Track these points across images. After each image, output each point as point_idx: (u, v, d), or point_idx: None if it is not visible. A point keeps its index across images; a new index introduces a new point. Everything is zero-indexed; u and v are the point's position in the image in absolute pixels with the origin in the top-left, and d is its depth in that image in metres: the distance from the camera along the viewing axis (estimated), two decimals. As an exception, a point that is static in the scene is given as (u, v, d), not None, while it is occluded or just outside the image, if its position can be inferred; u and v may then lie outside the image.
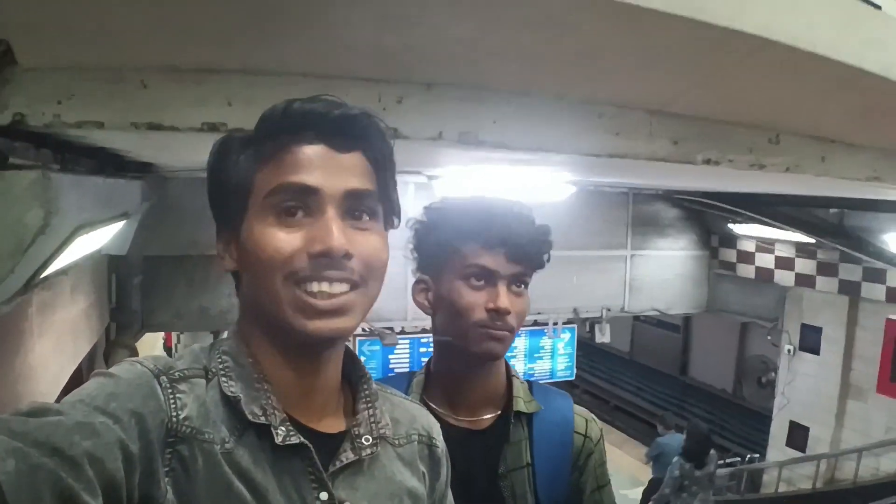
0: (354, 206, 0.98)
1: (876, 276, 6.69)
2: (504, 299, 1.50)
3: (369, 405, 1.09)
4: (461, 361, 1.57)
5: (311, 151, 0.97)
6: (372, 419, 1.08)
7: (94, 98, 1.72)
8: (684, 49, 1.87)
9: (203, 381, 0.96)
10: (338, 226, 0.95)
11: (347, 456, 1.01)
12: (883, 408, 7.16)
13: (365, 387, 1.11)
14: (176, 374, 0.94)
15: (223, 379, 0.97)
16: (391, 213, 1.06)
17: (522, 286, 1.56)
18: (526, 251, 1.53)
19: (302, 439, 0.95)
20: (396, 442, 1.13)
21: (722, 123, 2.52)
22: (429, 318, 1.59)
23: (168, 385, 0.91)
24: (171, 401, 0.90)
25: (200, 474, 0.89)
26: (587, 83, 2.07)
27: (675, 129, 2.38)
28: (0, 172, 1.67)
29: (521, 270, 1.53)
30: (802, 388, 8.07)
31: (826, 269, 7.18)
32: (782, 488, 7.91)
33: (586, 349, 12.17)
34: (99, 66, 1.69)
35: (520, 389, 1.66)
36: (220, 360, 1.00)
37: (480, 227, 1.51)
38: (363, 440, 1.04)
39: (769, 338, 8.52)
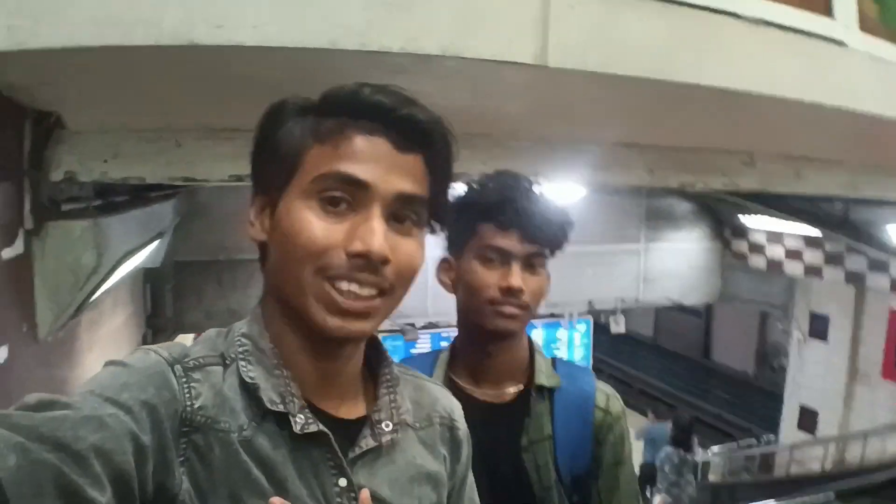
0: (402, 210, 0.95)
1: (880, 266, 6.85)
2: (516, 278, 1.52)
3: (390, 390, 1.08)
4: (480, 338, 1.60)
5: (371, 144, 0.93)
6: (393, 404, 1.06)
7: (135, 156, 1.99)
8: (655, 100, 2.12)
9: (220, 368, 0.95)
10: (382, 228, 0.92)
11: (367, 442, 1.00)
12: (889, 392, 7.35)
13: (386, 371, 1.09)
14: (191, 362, 0.93)
15: (242, 363, 0.95)
16: (437, 220, 1.03)
17: (538, 266, 1.58)
18: (540, 231, 1.54)
19: (321, 427, 0.94)
20: (417, 425, 1.11)
21: (696, 150, 2.74)
22: (447, 314, 1.69)
23: (182, 374, 0.90)
24: (186, 390, 0.89)
25: (217, 463, 0.88)
26: (568, 129, 2.31)
27: (650, 159, 2.60)
28: (58, 221, 1.97)
29: (535, 250, 1.55)
30: (812, 373, 8.28)
31: (833, 259, 7.33)
32: (794, 469, 8.12)
33: (610, 334, 12.35)
34: (139, 128, 1.96)
35: (542, 364, 1.68)
36: (239, 343, 0.98)
37: (494, 208, 1.53)
38: (383, 426, 1.02)
39: (779, 325, 8.71)
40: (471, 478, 1.23)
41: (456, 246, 1.59)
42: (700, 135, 2.63)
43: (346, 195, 0.92)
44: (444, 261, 1.62)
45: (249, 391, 0.92)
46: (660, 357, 16.11)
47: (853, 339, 7.73)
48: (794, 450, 8.12)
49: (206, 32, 1.55)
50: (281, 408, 0.92)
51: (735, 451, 8.93)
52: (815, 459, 7.92)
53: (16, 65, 1.64)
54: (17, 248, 1.86)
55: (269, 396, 0.92)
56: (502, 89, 1.94)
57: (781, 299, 8.62)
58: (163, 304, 5.66)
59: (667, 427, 7.32)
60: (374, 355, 1.10)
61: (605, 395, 1.69)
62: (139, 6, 1.57)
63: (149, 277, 5.38)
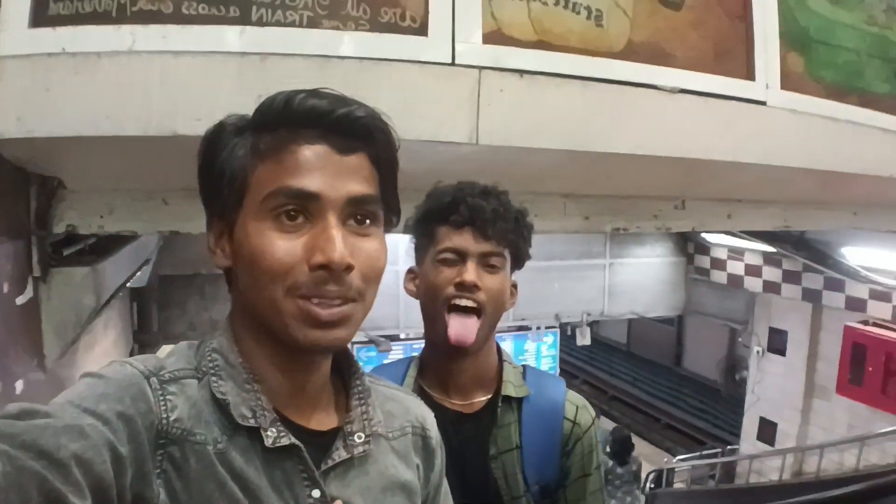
0: (356, 212, 0.94)
1: (836, 285, 7.21)
2: (471, 273, 1.52)
3: (362, 401, 1.07)
4: (446, 346, 1.57)
5: (313, 152, 0.93)
6: (364, 416, 1.06)
7: (128, 213, 2.30)
8: (583, 162, 2.42)
9: (194, 381, 0.94)
10: (339, 234, 0.91)
11: (340, 454, 1.00)
12: (845, 406, 7.63)
13: (357, 382, 1.09)
14: (166, 374, 0.92)
15: (213, 379, 0.95)
16: (391, 213, 1.02)
17: (497, 266, 1.57)
18: (494, 228, 1.54)
19: (292, 440, 0.94)
20: (390, 435, 1.11)
21: (629, 198, 3.05)
22: (419, 326, 1.63)
23: (158, 387, 0.90)
24: (162, 402, 0.89)
25: (193, 475, 0.88)
26: (506, 185, 2.60)
27: (585, 207, 2.91)
28: (61, 268, 2.28)
29: (490, 249, 1.55)
30: (771, 386, 8.60)
31: (791, 277, 7.71)
32: (753, 479, 8.44)
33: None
34: (131, 189, 2.26)
35: (510, 374, 1.68)
36: (210, 358, 0.97)
37: (448, 209, 1.54)
38: (355, 438, 1.02)
39: (740, 339, 9.07)
40: (445, 486, 1.23)
41: (419, 254, 1.61)
42: (631, 186, 2.93)
43: (297, 209, 0.91)
44: (409, 270, 1.65)
45: (221, 406, 0.92)
46: (633, 364, 16.44)
47: (810, 354, 8.06)
48: (753, 460, 8.45)
49: (186, 124, 1.85)
50: (252, 422, 0.92)
51: (697, 459, 9.30)
52: (774, 470, 8.21)
53: (24, 147, 1.93)
54: (27, 293, 2.14)
55: (240, 412, 0.92)
56: (444, 157, 2.18)
57: (743, 314, 8.99)
58: (149, 319, 5.99)
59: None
60: (345, 365, 1.10)
61: (575, 406, 1.69)
62: (129, 103, 1.87)
63: (135, 295, 5.69)
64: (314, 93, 0.94)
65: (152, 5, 1.91)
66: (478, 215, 1.52)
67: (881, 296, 6.85)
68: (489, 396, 1.65)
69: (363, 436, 1.03)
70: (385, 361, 1.88)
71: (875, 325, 6.97)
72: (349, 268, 0.90)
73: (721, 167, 2.87)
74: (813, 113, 3.14)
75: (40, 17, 1.90)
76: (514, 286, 1.67)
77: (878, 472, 6.76)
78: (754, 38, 2.98)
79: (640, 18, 2.55)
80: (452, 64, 2.12)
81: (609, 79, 2.35)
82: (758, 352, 8.69)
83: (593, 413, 1.72)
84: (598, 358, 16.76)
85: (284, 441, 0.93)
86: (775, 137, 2.98)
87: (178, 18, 1.94)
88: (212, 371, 0.95)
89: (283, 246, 0.91)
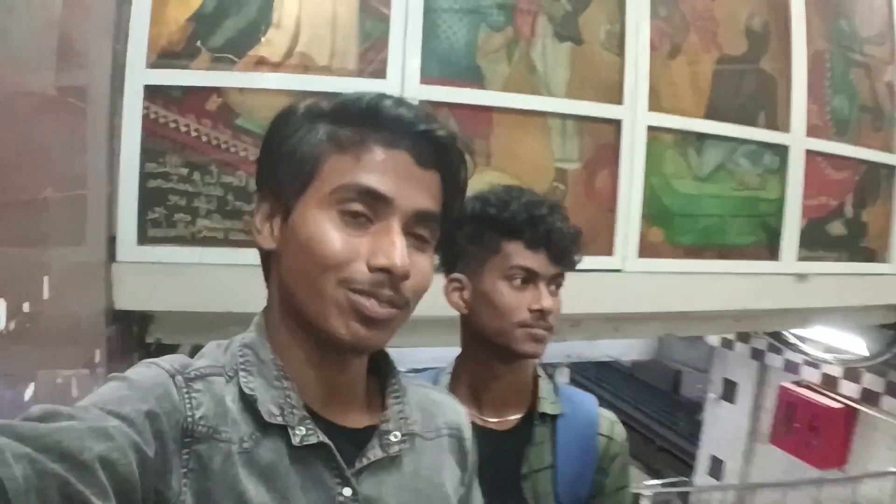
0: (419, 226, 0.96)
1: (776, 349, 8.44)
2: (548, 300, 1.51)
3: (398, 400, 1.07)
4: (496, 360, 1.57)
5: (392, 157, 0.94)
6: (401, 414, 1.06)
7: (195, 332, 3.64)
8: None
9: (222, 378, 0.95)
10: (402, 242, 0.92)
11: (375, 453, 0.99)
12: (782, 454, 8.70)
13: (394, 381, 1.09)
14: (192, 372, 0.93)
15: (243, 374, 0.96)
16: (445, 244, 1.04)
17: (559, 287, 1.58)
18: (567, 252, 1.54)
19: (321, 438, 0.94)
20: (425, 436, 1.10)
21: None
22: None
23: (183, 384, 0.90)
24: (187, 400, 0.89)
25: (217, 475, 0.88)
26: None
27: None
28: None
29: (559, 271, 1.55)
30: (721, 428, 9.80)
31: (742, 336, 8.94)
32: (701, 508, 9.71)
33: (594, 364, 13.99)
34: (196, 318, 3.57)
35: (545, 390, 1.66)
36: (240, 353, 0.98)
37: (524, 226, 1.51)
38: (391, 437, 1.02)
39: (699, 386, 10.34)
40: (477, 488, 1.22)
41: (471, 264, 1.56)
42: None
43: (365, 208, 0.93)
44: (454, 279, 1.59)
45: (249, 403, 0.93)
46: (636, 388, 17.43)
47: (755, 405, 9.22)
48: (702, 493, 9.70)
49: (232, 304, 3.21)
50: (280, 420, 0.93)
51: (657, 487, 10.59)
52: (718, 502, 9.46)
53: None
54: None
55: (268, 409, 0.93)
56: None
57: (703, 363, 10.22)
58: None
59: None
60: (382, 364, 1.10)
61: (609, 421, 1.70)
62: (198, 294, 3.25)
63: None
64: (402, 101, 0.96)
65: (212, 233, 3.31)
66: (556, 239, 1.52)
67: (812, 363, 8.04)
68: (522, 414, 1.64)
69: (399, 435, 1.02)
70: (417, 371, 1.82)
71: (806, 387, 8.23)
72: (407, 276, 0.91)
73: (584, 315, 3.98)
74: (667, 272, 4.24)
75: (143, 238, 3.20)
76: None
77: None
78: (616, 223, 3.99)
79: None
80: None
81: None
82: (712, 398, 9.89)
83: (624, 430, 1.73)
84: (605, 380, 17.88)
85: (312, 439, 0.92)
86: (630, 294, 4.06)
87: (227, 242, 3.31)
88: (242, 367, 0.96)
89: (344, 241, 0.92)
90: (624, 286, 4.08)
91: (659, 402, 16.32)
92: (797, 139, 4.82)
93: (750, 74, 4.66)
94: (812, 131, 4.94)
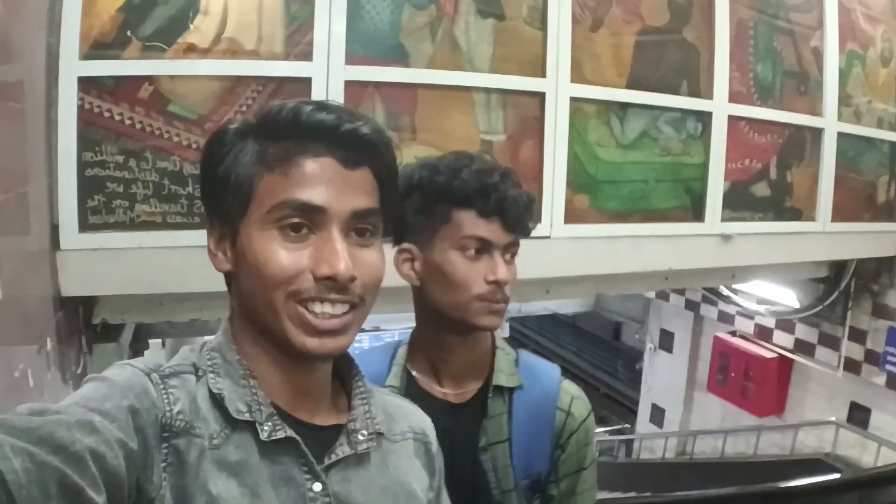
0: (359, 224, 0.97)
1: (711, 301, 8.81)
2: (504, 270, 1.47)
3: (364, 401, 1.09)
4: (450, 332, 1.54)
5: (320, 166, 0.95)
6: (367, 414, 1.08)
7: (139, 311, 3.84)
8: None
9: (193, 377, 0.97)
10: (343, 248, 0.94)
11: (343, 450, 1.01)
12: (718, 401, 9.21)
13: (359, 383, 1.11)
14: (166, 370, 0.95)
15: (210, 375, 0.97)
16: (389, 224, 1.05)
17: (513, 255, 1.54)
18: (520, 220, 1.50)
19: (289, 433, 0.95)
20: (391, 438, 1.12)
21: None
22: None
23: (159, 381, 0.92)
24: (164, 396, 0.91)
25: (192, 469, 0.89)
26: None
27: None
28: (97, 345, 3.87)
29: (514, 239, 1.51)
30: (660, 378, 10.25)
31: (677, 289, 9.19)
32: (644, 455, 10.21)
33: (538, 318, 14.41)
34: (140, 298, 3.78)
35: (503, 362, 1.63)
36: (208, 356, 1.00)
37: (475, 195, 1.46)
38: (359, 435, 1.04)
39: (637, 336, 10.73)
40: (445, 492, 1.24)
41: (420, 234, 1.50)
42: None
43: (303, 220, 0.94)
44: (403, 250, 1.54)
45: (217, 401, 0.95)
46: (578, 337, 17.97)
47: (692, 355, 9.66)
48: (643, 440, 10.21)
49: (168, 285, 3.42)
50: (247, 416, 0.94)
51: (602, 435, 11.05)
52: (661, 449, 9.91)
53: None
54: (81, 364, 3.59)
55: (236, 406, 0.95)
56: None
57: (639, 314, 10.64)
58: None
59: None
60: (345, 366, 1.13)
61: (570, 395, 1.63)
62: (140, 276, 3.44)
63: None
64: (322, 106, 0.97)
65: (151, 217, 3.46)
66: (509, 207, 1.47)
67: (746, 314, 8.43)
68: (480, 385, 1.61)
69: (367, 433, 1.04)
70: (373, 346, 1.77)
71: (740, 337, 8.63)
72: (353, 279, 0.94)
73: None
74: (593, 237, 4.47)
75: (84, 226, 3.33)
76: None
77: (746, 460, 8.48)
78: (542, 192, 4.18)
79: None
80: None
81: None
82: (650, 348, 10.32)
83: (589, 405, 1.67)
84: (547, 330, 18.47)
85: (280, 434, 0.94)
86: (557, 257, 4.28)
87: (164, 226, 3.46)
88: (210, 369, 0.98)
89: (288, 256, 0.94)
90: (552, 252, 4.30)
91: (601, 350, 16.92)
92: (720, 106, 5.05)
93: (672, 45, 4.86)
94: (735, 97, 5.17)
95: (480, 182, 1.47)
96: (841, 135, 5.93)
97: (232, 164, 0.98)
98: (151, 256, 3.44)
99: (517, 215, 1.49)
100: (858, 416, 7.57)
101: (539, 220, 4.28)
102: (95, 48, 3.33)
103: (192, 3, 3.46)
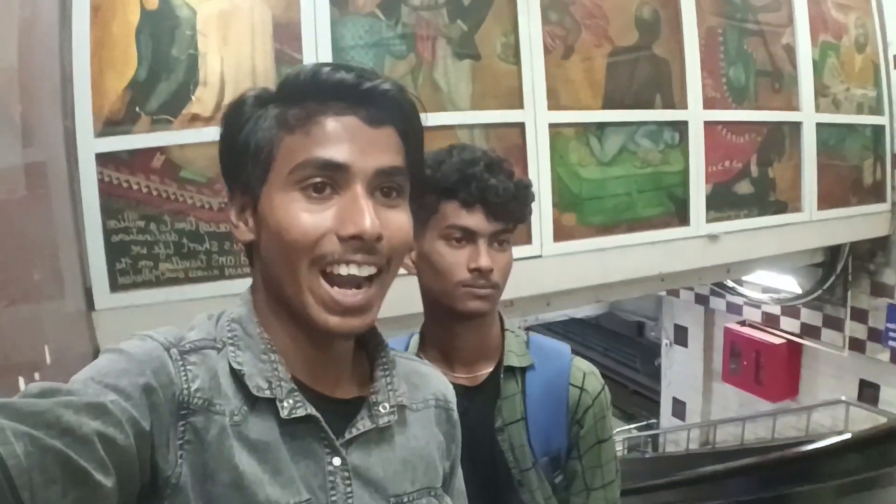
0: (384, 183, 0.96)
1: (719, 294, 9.13)
2: (485, 258, 1.50)
3: (387, 372, 1.09)
4: (450, 320, 1.57)
5: (342, 124, 0.94)
6: (389, 386, 1.07)
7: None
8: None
9: (214, 352, 0.96)
10: (369, 206, 0.93)
11: (364, 424, 1.02)
12: (733, 391, 9.54)
13: (382, 354, 1.11)
14: (187, 345, 0.94)
15: (231, 349, 0.97)
16: (416, 186, 1.03)
17: (504, 242, 1.56)
18: (505, 208, 1.51)
19: (309, 410, 0.95)
20: (413, 407, 1.13)
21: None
22: None
23: (178, 357, 0.91)
24: (183, 373, 0.90)
25: (213, 446, 0.89)
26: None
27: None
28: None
29: (501, 227, 1.53)
30: (678, 371, 10.56)
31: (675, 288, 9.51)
32: (670, 448, 10.53)
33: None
34: None
35: (513, 343, 1.66)
36: (229, 328, 0.99)
37: (457, 185, 1.49)
38: (380, 408, 1.04)
39: (652, 334, 11.05)
40: (459, 466, 1.26)
41: (415, 224, 1.33)
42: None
43: (326, 179, 0.93)
44: None
45: (238, 377, 0.94)
46: (603, 337, 18.14)
47: (705, 346, 9.96)
48: (667, 433, 10.54)
49: None
50: (268, 394, 0.94)
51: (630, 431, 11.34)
52: (684, 441, 10.19)
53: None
54: None
55: (256, 383, 0.94)
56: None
57: (654, 312, 10.97)
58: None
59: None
60: (369, 337, 1.12)
61: (582, 372, 1.67)
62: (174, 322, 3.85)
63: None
64: (341, 65, 0.96)
65: (174, 274, 3.86)
66: (490, 196, 1.49)
67: (752, 304, 8.76)
68: (492, 369, 1.65)
69: (388, 406, 1.05)
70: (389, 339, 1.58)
71: (750, 326, 8.96)
72: (380, 238, 0.93)
73: (514, 298, 4.56)
74: (582, 251, 4.79)
75: (114, 286, 3.69)
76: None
77: (765, 444, 8.75)
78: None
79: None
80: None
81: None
82: (666, 343, 10.63)
83: (602, 380, 1.71)
84: (573, 332, 18.42)
85: (300, 412, 0.94)
86: (548, 274, 4.61)
87: (187, 280, 3.85)
88: (230, 341, 0.98)
89: (311, 218, 0.93)
90: (545, 270, 4.65)
91: (627, 348, 17.05)
92: (694, 113, 5.40)
93: (643, 61, 5.21)
94: (709, 103, 5.51)
95: (461, 172, 1.51)
96: (820, 125, 6.24)
97: (252, 131, 0.97)
98: (177, 309, 3.77)
99: (500, 204, 1.51)
100: (868, 392, 7.83)
101: (529, 241, 4.64)
102: (108, 125, 3.71)
103: (191, 76, 3.83)
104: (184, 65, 3.83)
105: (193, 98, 3.87)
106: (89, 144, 3.71)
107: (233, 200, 1.02)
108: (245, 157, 0.97)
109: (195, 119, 3.88)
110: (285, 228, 0.93)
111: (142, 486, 0.82)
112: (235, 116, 0.99)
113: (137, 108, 3.79)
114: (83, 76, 3.65)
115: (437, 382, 1.23)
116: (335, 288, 0.95)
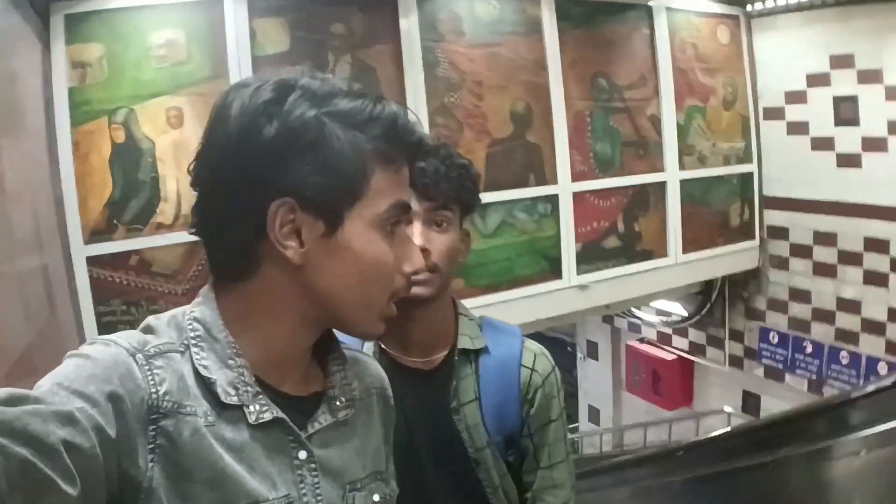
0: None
1: (621, 314, 10.51)
2: (419, 238, 1.55)
3: (340, 367, 1.16)
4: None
5: (408, 172, 1.07)
6: (345, 381, 1.15)
7: None
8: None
9: (178, 354, 0.99)
10: (420, 240, 1.10)
11: (326, 418, 1.09)
12: (640, 400, 10.84)
13: (335, 349, 1.18)
14: (151, 349, 0.96)
15: (195, 350, 0.99)
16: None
17: (445, 223, 1.62)
18: (438, 186, 1.57)
19: (276, 414, 1.00)
20: (360, 398, 1.19)
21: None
22: None
23: (144, 362, 0.93)
24: (150, 377, 0.93)
25: (188, 447, 0.93)
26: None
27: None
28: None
29: (436, 206, 1.59)
30: (593, 382, 11.87)
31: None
32: (588, 451, 11.65)
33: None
34: None
35: (466, 327, 1.76)
36: (191, 327, 1.02)
37: None
38: (338, 402, 1.12)
39: (569, 349, 12.52)
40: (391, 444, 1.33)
41: None
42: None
43: (402, 220, 1.04)
44: None
45: (205, 382, 0.98)
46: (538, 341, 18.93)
47: (613, 361, 11.31)
48: (584, 437, 11.80)
49: None
50: (235, 400, 0.98)
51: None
52: (598, 444, 11.47)
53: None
54: None
55: (224, 389, 0.98)
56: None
57: (570, 329, 12.32)
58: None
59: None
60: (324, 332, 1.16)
61: (532, 353, 1.78)
62: None
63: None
64: (414, 123, 1.05)
65: (147, 346, 5.32)
66: (419, 177, 1.54)
67: (648, 323, 10.24)
68: (446, 352, 1.74)
69: (344, 400, 1.13)
70: None
71: (648, 343, 10.40)
72: (428, 266, 1.05)
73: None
74: (469, 308, 5.89)
75: None
76: (467, 234, 1.76)
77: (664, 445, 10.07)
78: None
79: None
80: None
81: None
82: (581, 357, 12.01)
83: (552, 361, 1.80)
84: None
85: (267, 416, 0.99)
86: (570, 303, 5.93)
87: None
88: (193, 342, 1.00)
89: (391, 256, 1.03)
90: (566, 298, 6.01)
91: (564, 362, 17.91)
92: (564, 187, 6.55)
93: (518, 148, 6.29)
94: (578, 176, 6.64)
95: None
96: (685, 181, 7.38)
97: (341, 150, 0.97)
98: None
99: (428, 185, 1.58)
100: (751, 401, 9.17)
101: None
102: (94, 235, 4.85)
103: (154, 194, 4.99)
104: (148, 186, 4.96)
105: (157, 211, 5.01)
106: (80, 250, 4.84)
107: (285, 216, 0.98)
108: (329, 175, 0.97)
109: (160, 227, 5.02)
110: (382, 265, 1.01)
111: (111, 495, 0.84)
112: (314, 128, 0.97)
113: (115, 221, 4.92)
114: (71, 199, 4.76)
115: (375, 369, 1.31)
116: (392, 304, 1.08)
